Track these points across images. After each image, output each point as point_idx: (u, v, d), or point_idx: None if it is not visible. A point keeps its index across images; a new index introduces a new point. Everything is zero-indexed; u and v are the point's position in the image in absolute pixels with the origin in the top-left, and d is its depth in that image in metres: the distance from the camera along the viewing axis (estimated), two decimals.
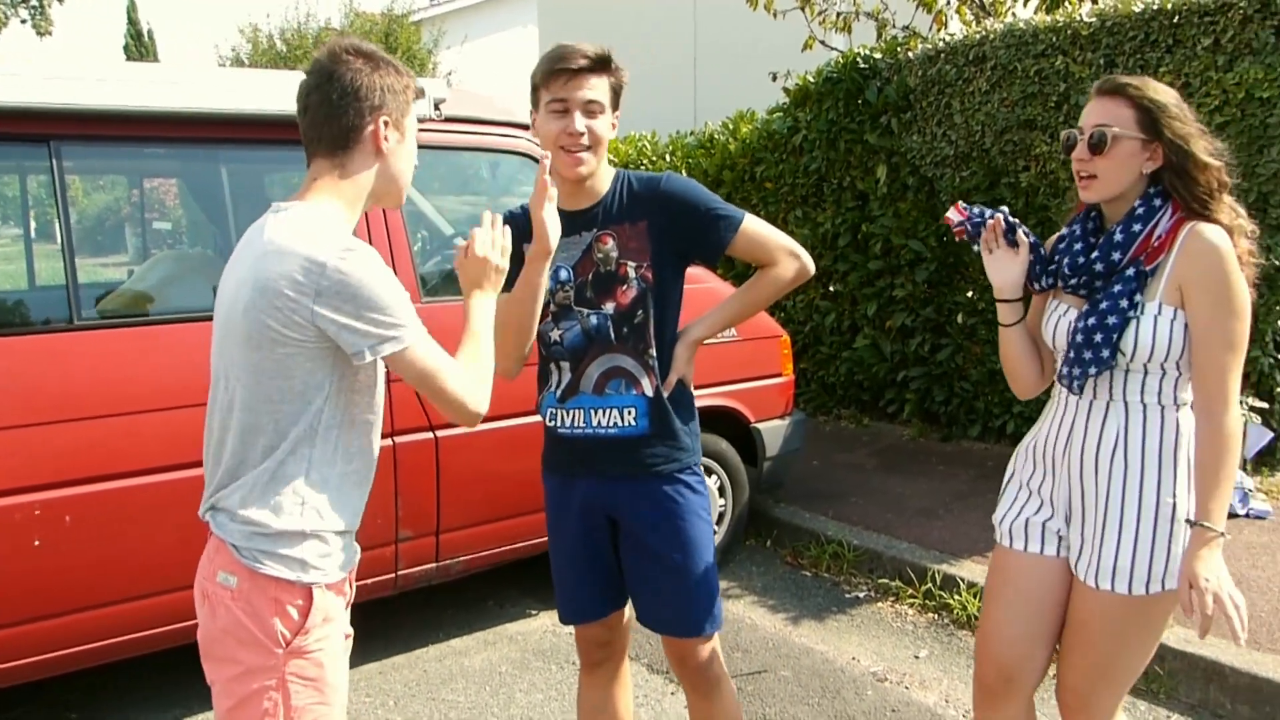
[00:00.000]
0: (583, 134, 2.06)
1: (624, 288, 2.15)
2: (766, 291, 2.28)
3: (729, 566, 4.52)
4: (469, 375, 1.77)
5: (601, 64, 2.07)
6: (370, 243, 3.43)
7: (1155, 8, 4.69)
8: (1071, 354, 1.97)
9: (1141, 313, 1.90)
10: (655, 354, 2.17)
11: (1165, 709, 3.17)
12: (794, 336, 6.80)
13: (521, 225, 2.10)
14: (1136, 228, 1.94)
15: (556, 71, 2.05)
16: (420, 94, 1.90)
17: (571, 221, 2.15)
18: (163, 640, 3.06)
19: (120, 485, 2.90)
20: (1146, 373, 1.92)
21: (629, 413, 2.16)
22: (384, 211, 3.50)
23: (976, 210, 2.25)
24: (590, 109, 2.06)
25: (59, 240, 2.94)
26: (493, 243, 1.89)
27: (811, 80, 6.53)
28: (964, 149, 5.65)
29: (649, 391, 2.17)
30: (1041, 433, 2.14)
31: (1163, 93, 1.93)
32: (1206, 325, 1.86)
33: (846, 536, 4.52)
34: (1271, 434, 4.85)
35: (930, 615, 3.96)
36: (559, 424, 2.21)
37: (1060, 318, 2.06)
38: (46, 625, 2.86)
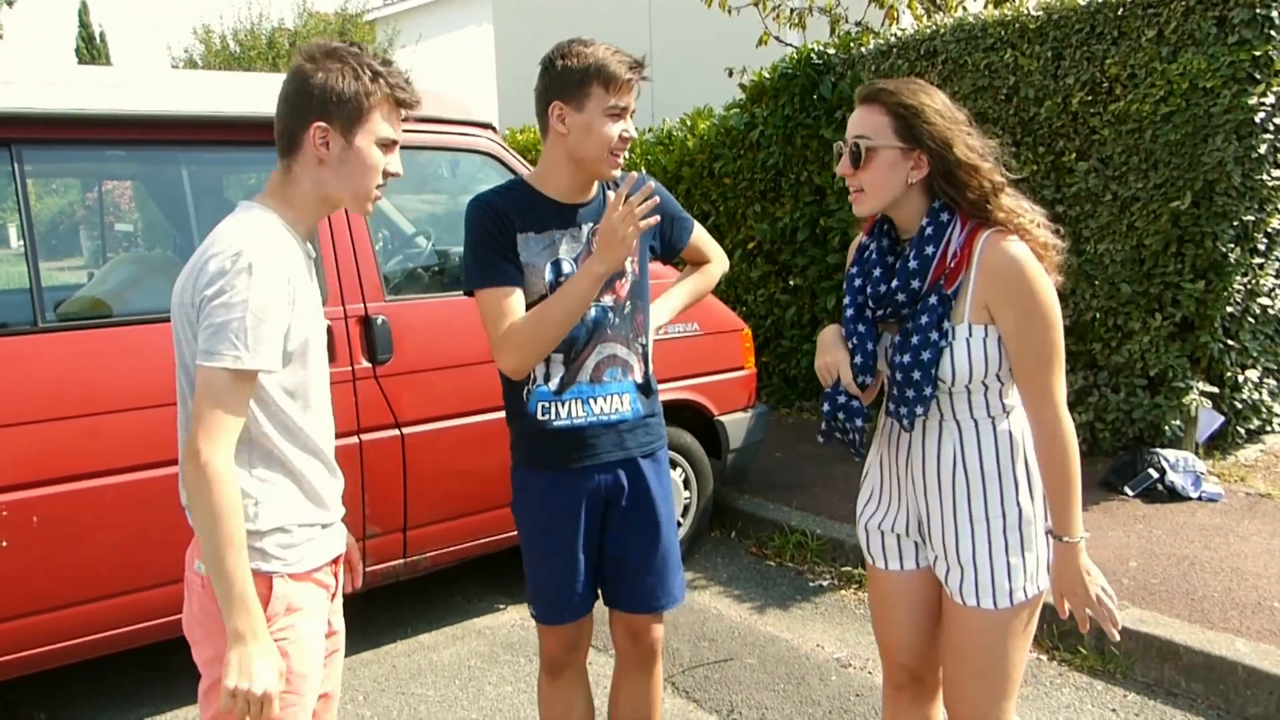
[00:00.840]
0: (633, 138, 2.16)
1: (621, 280, 2.23)
2: (709, 283, 2.54)
3: (694, 558, 4.58)
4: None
5: (643, 69, 2.16)
6: (333, 242, 3.46)
7: (1100, 1, 4.81)
8: (895, 391, 1.92)
9: (953, 338, 1.85)
10: (644, 342, 2.29)
11: (1121, 688, 3.27)
12: (755, 331, 6.86)
13: (499, 211, 2.13)
14: (929, 250, 1.86)
15: (628, 81, 2.09)
16: (402, 103, 1.77)
17: (568, 214, 2.20)
18: (128, 639, 3.06)
19: (86, 486, 2.90)
20: (970, 391, 1.89)
21: (625, 398, 2.25)
22: (346, 211, 3.50)
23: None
24: (633, 114, 2.16)
25: (22, 244, 2.93)
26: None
27: (767, 76, 6.61)
28: None
29: (639, 378, 2.28)
30: (881, 451, 2.10)
31: (920, 95, 1.86)
32: (1019, 342, 1.82)
33: (810, 526, 4.59)
34: (1222, 418, 5.00)
35: None
36: (554, 417, 2.19)
37: (883, 345, 1.99)
38: (13, 626, 2.85)
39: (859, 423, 1.98)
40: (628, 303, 2.24)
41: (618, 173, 2.19)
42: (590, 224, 2.21)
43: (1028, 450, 1.91)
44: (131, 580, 2.95)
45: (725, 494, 5.00)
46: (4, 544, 2.78)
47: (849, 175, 1.90)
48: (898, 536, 2.07)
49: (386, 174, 1.79)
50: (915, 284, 1.87)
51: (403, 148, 3.94)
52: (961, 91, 5.41)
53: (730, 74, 7.23)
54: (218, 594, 1.61)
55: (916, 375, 1.86)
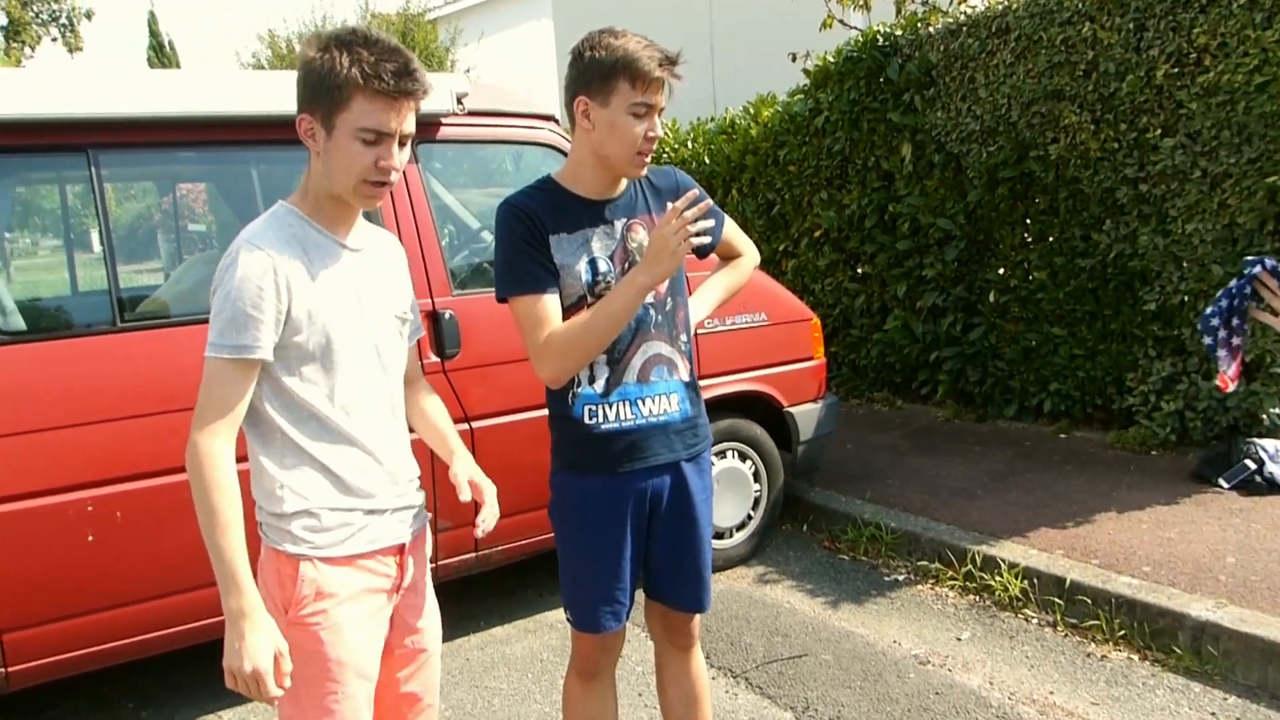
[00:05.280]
0: (659, 137, 2.09)
1: None
2: (743, 277, 2.45)
3: (765, 552, 4.51)
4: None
5: (675, 65, 2.06)
6: (400, 239, 3.47)
7: None
8: None
9: None
10: (686, 339, 2.22)
11: (1221, 691, 3.11)
12: (823, 320, 6.76)
13: (529, 213, 2.08)
14: None
15: (657, 78, 2.01)
16: (384, 93, 1.65)
17: (599, 210, 2.14)
18: (211, 632, 3.11)
19: (166, 482, 2.95)
20: None
21: (673, 399, 2.19)
22: (412, 207, 3.52)
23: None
24: (660, 113, 2.08)
25: (101, 246, 2.99)
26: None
27: (831, 60, 6.48)
28: (990, 123, 5.59)
29: (685, 376, 2.22)
30: None
31: None
32: None
33: (883, 519, 4.50)
34: None
35: (971, 597, 3.94)
36: (601, 420, 2.13)
37: None
38: (100, 618, 2.92)
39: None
40: (668, 299, 2.18)
41: (644, 171, 2.13)
42: (624, 219, 2.15)
43: None
44: (209, 575, 2.99)
45: (796, 486, 4.92)
46: (90, 538, 2.84)
47: None
48: None
49: (380, 168, 1.70)
50: None
51: (465, 142, 3.91)
52: (1036, 69, 5.24)
53: (793, 59, 7.11)
54: (215, 574, 1.67)
55: None
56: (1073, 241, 5.31)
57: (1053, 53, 5.15)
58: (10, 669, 2.81)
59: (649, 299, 2.13)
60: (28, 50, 28.50)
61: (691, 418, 2.23)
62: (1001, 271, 5.77)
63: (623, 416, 2.14)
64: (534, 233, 2.07)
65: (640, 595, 2.34)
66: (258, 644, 1.64)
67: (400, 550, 1.87)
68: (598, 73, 2.02)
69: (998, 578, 3.88)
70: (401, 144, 1.73)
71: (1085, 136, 5.11)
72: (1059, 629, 3.61)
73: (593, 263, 2.11)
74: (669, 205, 2.13)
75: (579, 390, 2.14)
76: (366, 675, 1.81)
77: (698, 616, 2.39)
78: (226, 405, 1.67)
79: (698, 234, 1.97)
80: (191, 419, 1.67)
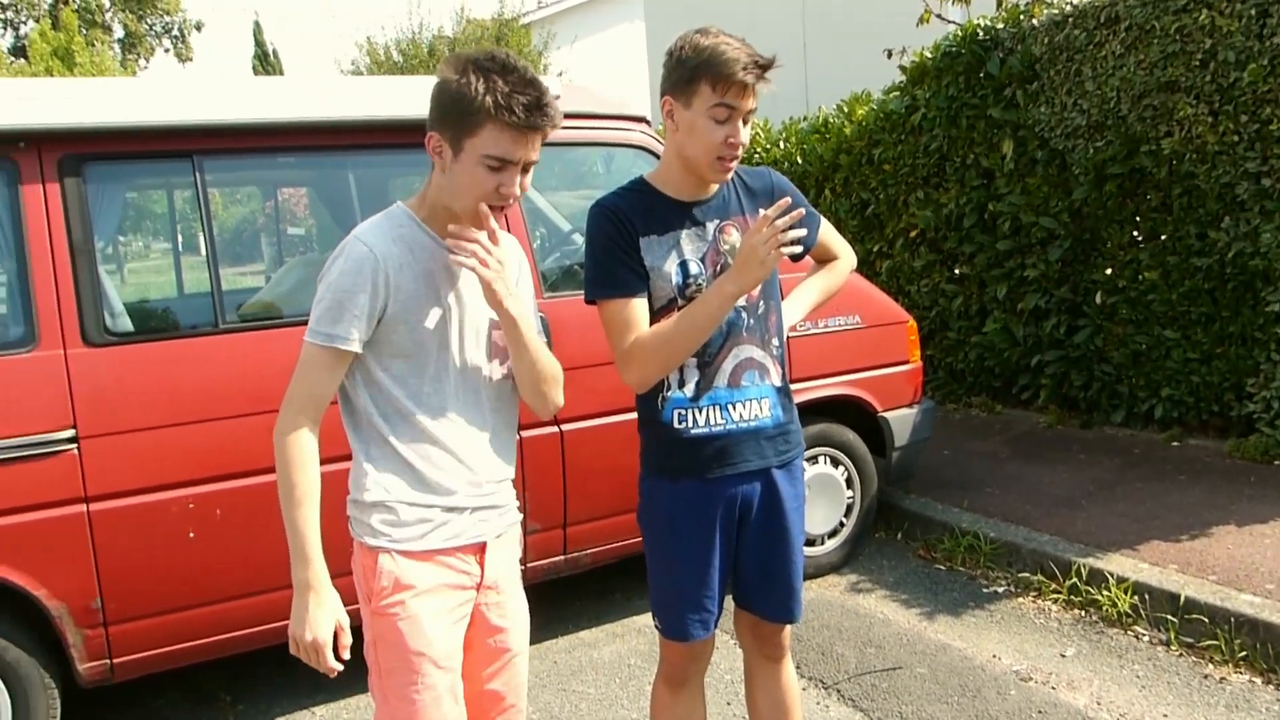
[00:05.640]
0: (745, 144, 2.02)
1: None
2: (839, 280, 2.38)
3: (858, 560, 4.40)
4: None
5: (767, 70, 1.98)
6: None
7: None
8: None
9: None
10: (778, 343, 2.18)
11: None
12: (919, 322, 6.58)
13: (620, 214, 2.05)
14: None
15: (740, 81, 1.93)
16: (513, 126, 1.68)
17: (690, 212, 2.10)
18: None
19: (263, 481, 3.01)
20: None
21: (764, 404, 2.14)
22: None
23: None
24: (747, 119, 2.02)
25: (204, 249, 3.08)
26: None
27: (929, 56, 6.31)
28: (1098, 118, 5.36)
29: (777, 381, 2.17)
30: None
31: None
32: None
33: (982, 528, 4.34)
34: None
35: (1076, 611, 3.76)
36: (691, 425, 2.10)
37: None
38: (200, 613, 3.01)
39: None
40: (761, 303, 2.13)
41: (727, 175, 2.07)
42: (716, 220, 2.11)
43: None
44: None
45: (890, 493, 4.80)
46: (191, 535, 2.93)
47: None
48: None
49: (501, 194, 1.74)
50: None
51: (556, 144, 3.94)
52: (1149, 59, 5.00)
53: (889, 56, 6.95)
54: (289, 545, 1.75)
55: None
56: (1187, 240, 5.05)
57: (1166, 42, 4.90)
58: (115, 660, 2.92)
59: (741, 302, 2.08)
60: (142, 62, 29.92)
61: (783, 424, 2.18)
62: (1109, 272, 5.52)
63: (713, 421, 2.10)
64: (624, 234, 2.05)
65: (730, 603, 2.29)
66: (320, 616, 1.74)
67: (481, 549, 1.89)
68: (682, 73, 1.98)
69: (1105, 592, 3.70)
70: (524, 170, 1.76)
71: (1202, 129, 4.85)
72: (1173, 648, 3.42)
73: (683, 265, 2.07)
74: (762, 208, 2.09)
75: (668, 394, 2.11)
76: (446, 667, 1.83)
77: (788, 627, 2.33)
78: (313, 390, 1.76)
79: (789, 242, 1.91)
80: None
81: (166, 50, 31.52)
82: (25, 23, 28.22)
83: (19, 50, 26.42)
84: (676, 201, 2.09)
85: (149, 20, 30.72)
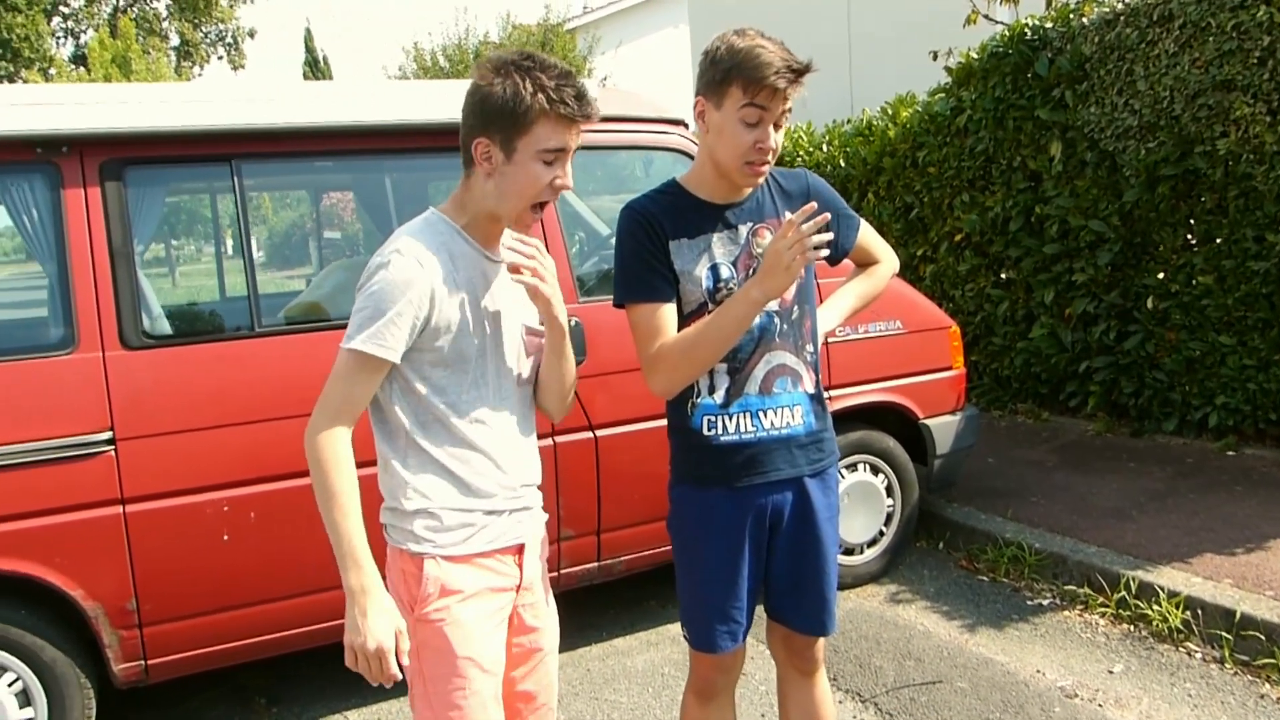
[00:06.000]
0: (774, 149, 1.98)
1: None
2: (878, 285, 2.33)
3: (898, 570, 4.32)
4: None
5: (802, 76, 1.93)
6: None
7: None
8: None
9: None
10: (812, 350, 2.13)
11: None
12: (963, 328, 6.47)
13: (651, 217, 2.02)
14: None
15: (770, 86, 1.89)
16: (567, 118, 1.72)
17: (722, 215, 2.06)
18: (340, 633, 3.18)
19: (297, 484, 3.02)
20: None
21: (797, 411, 2.09)
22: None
23: None
24: (780, 123, 1.97)
25: (242, 253, 3.10)
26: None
27: (975, 57, 6.19)
28: (1150, 118, 5.22)
29: (810, 388, 2.13)
30: None
31: None
32: None
33: (1027, 539, 4.23)
34: None
35: (1125, 626, 3.65)
36: (721, 432, 2.06)
37: None
38: (233, 615, 3.02)
39: None
40: (794, 308, 2.08)
41: (759, 179, 2.03)
42: (749, 223, 2.06)
43: None
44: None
45: (932, 502, 4.70)
46: (225, 538, 2.94)
47: None
48: None
49: (555, 187, 1.77)
50: None
51: (594, 148, 3.93)
52: (1204, 58, 4.85)
53: (934, 57, 6.84)
54: (335, 553, 1.72)
55: None
56: (1244, 243, 4.89)
57: (1222, 40, 4.76)
58: (150, 661, 2.94)
59: (773, 306, 2.04)
60: (197, 69, 30.55)
61: (816, 432, 2.13)
62: (1161, 276, 5.36)
63: (743, 429, 2.06)
64: (654, 238, 2.02)
65: (762, 614, 2.25)
66: (379, 622, 1.70)
67: (519, 550, 1.90)
68: (715, 74, 1.95)
69: (1155, 607, 3.59)
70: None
71: (1260, 129, 4.69)
72: (1227, 666, 3.30)
73: (714, 269, 2.04)
74: (794, 210, 2.05)
75: (698, 400, 2.08)
76: (492, 671, 1.83)
77: (822, 640, 2.27)
78: (349, 398, 1.74)
79: (816, 248, 1.86)
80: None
81: (220, 58, 32.16)
82: (85, 31, 28.95)
83: (79, 59, 27.09)
84: (709, 204, 2.06)
85: (204, 28, 31.36)
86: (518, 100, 1.69)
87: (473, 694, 1.79)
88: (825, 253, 1.92)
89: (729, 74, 1.92)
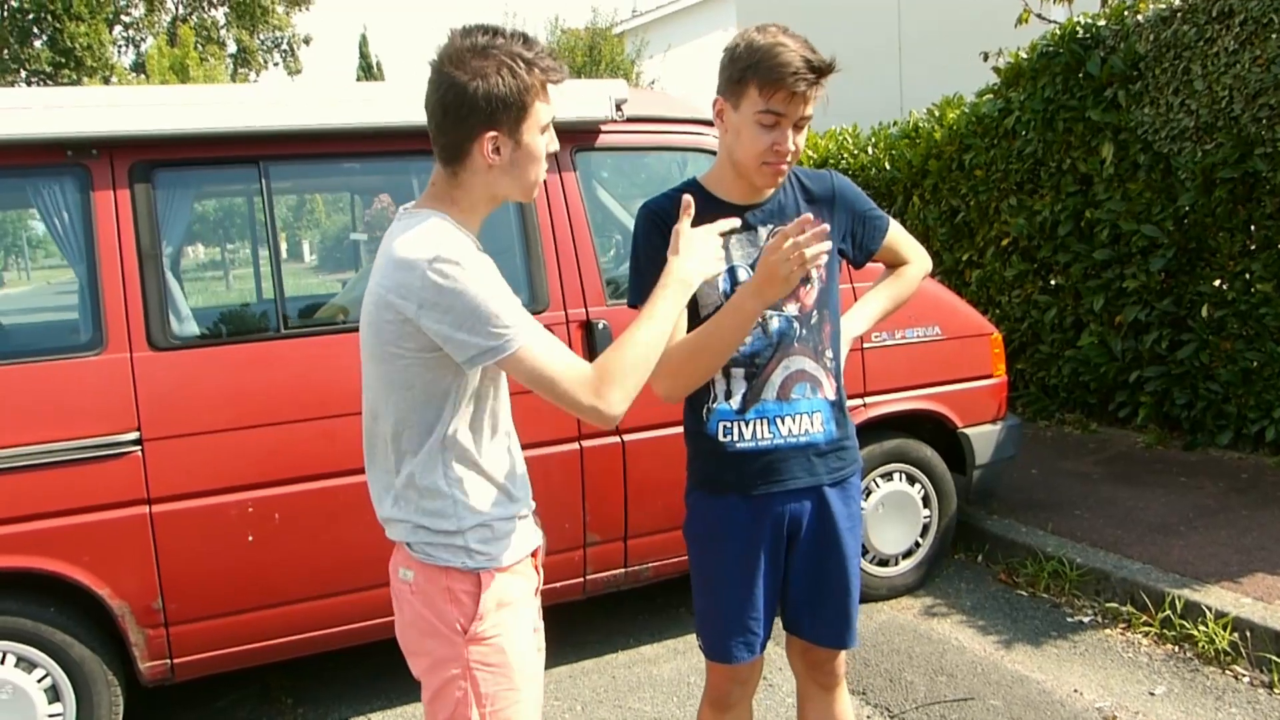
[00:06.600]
0: (794, 151, 1.92)
1: (806, 287, 2.02)
2: (908, 287, 2.25)
3: (934, 582, 4.21)
4: (600, 374, 1.66)
5: (824, 76, 1.86)
6: (555, 246, 3.46)
7: None
8: None
9: None
10: (833, 355, 2.07)
11: None
12: (1010, 335, 6.32)
13: (667, 217, 1.95)
14: None
15: (788, 87, 1.83)
16: (552, 72, 1.67)
17: (741, 217, 2.00)
18: (364, 634, 3.19)
19: (321, 486, 3.03)
20: None
21: (816, 418, 2.04)
22: (569, 215, 3.49)
23: None
24: (801, 125, 1.91)
25: (268, 254, 3.12)
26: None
27: (1024, 57, 6.05)
28: (1207, 119, 5.04)
29: (831, 395, 2.07)
30: None
31: None
32: None
33: (1069, 553, 4.10)
34: None
35: (1169, 646, 3.51)
36: (737, 438, 2.01)
37: None
38: (258, 616, 3.03)
39: None
40: (814, 312, 2.02)
41: (780, 181, 1.98)
42: (770, 225, 2.00)
43: None
44: (364, 578, 3.05)
45: (971, 513, 4.59)
46: (250, 538, 2.96)
47: None
48: None
49: (550, 155, 1.75)
50: None
51: (628, 149, 3.90)
52: (1266, 55, 4.67)
53: (985, 58, 6.69)
54: (655, 320, 1.72)
55: None
56: None
57: None
58: (176, 660, 2.96)
59: (792, 311, 1.99)
60: (253, 75, 31.15)
61: (837, 440, 2.07)
62: (1218, 283, 5.17)
63: (760, 435, 2.01)
64: (667, 240, 1.96)
65: (781, 627, 2.19)
66: (690, 263, 1.78)
67: (537, 552, 1.87)
68: (733, 73, 1.90)
69: (1202, 627, 3.45)
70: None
71: None
72: (1276, 690, 3.16)
73: (731, 271, 1.99)
74: (817, 212, 1.99)
75: (714, 406, 2.03)
76: (536, 678, 1.80)
77: (843, 654, 2.21)
78: (566, 350, 1.65)
79: (812, 259, 1.77)
80: (565, 396, 1.63)
81: (276, 64, 32.75)
82: (145, 40, 29.66)
83: (139, 66, 27.77)
84: (728, 205, 2.00)
85: (260, 35, 31.95)
86: (520, 87, 1.64)
87: (523, 703, 1.75)
88: (824, 261, 1.86)
89: (746, 74, 1.87)
